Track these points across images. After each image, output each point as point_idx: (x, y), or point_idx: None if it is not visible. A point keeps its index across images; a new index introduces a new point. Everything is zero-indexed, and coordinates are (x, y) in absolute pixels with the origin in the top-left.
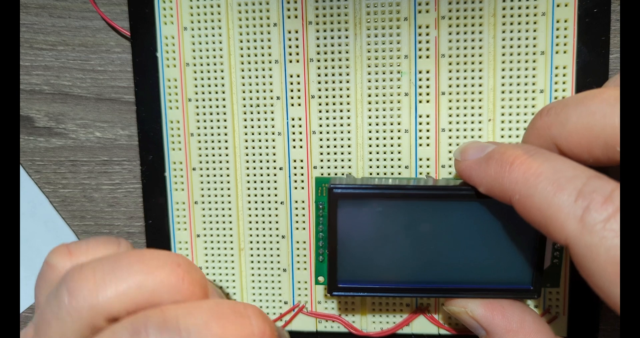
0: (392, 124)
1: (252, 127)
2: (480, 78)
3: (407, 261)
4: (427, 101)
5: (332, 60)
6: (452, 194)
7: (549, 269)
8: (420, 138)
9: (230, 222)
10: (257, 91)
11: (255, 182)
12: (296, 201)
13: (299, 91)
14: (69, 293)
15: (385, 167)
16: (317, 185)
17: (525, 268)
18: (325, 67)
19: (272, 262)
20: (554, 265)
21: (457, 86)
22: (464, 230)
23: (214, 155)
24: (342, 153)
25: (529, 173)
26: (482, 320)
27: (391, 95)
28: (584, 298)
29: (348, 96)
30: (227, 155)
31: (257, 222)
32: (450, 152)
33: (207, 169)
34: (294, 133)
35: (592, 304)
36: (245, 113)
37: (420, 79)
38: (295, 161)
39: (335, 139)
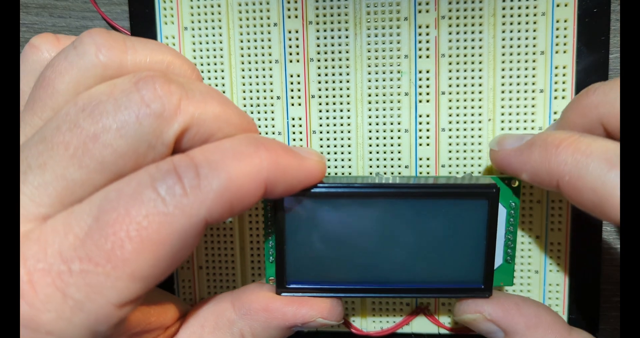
0: (392, 124)
1: None
2: (480, 78)
3: (358, 260)
4: (427, 101)
5: (332, 60)
6: (401, 193)
7: (502, 268)
8: (420, 137)
9: (231, 221)
10: (257, 91)
11: None
12: None
13: (299, 90)
14: (97, 47)
15: (385, 167)
16: None
17: (477, 267)
18: (325, 67)
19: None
20: (507, 264)
21: (457, 85)
22: (414, 228)
23: None
24: (342, 153)
25: (578, 153)
26: (502, 321)
27: (391, 95)
28: (584, 298)
29: (348, 96)
30: None
31: (257, 222)
32: (450, 152)
33: None
34: (294, 133)
35: (592, 304)
36: None
37: (420, 79)
38: None
39: (335, 139)
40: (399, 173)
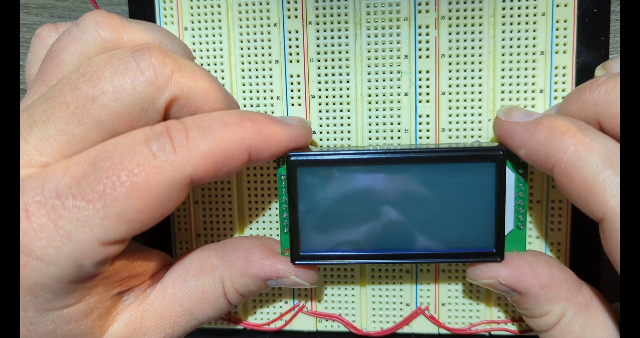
0: (392, 124)
1: None
2: (480, 78)
3: (371, 227)
4: (427, 101)
5: (332, 60)
6: (410, 158)
7: (513, 234)
8: (420, 137)
9: (231, 222)
10: (257, 91)
11: (255, 182)
12: None
13: (299, 91)
14: (97, 24)
15: None
16: (278, 160)
17: (487, 230)
18: (325, 67)
19: None
20: (519, 230)
21: (457, 86)
22: (423, 194)
23: None
24: None
25: (581, 145)
26: (516, 284)
27: (391, 95)
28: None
29: (348, 96)
30: None
31: (257, 222)
32: None
33: None
34: None
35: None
36: None
37: (420, 79)
38: None
39: (335, 139)
40: None
